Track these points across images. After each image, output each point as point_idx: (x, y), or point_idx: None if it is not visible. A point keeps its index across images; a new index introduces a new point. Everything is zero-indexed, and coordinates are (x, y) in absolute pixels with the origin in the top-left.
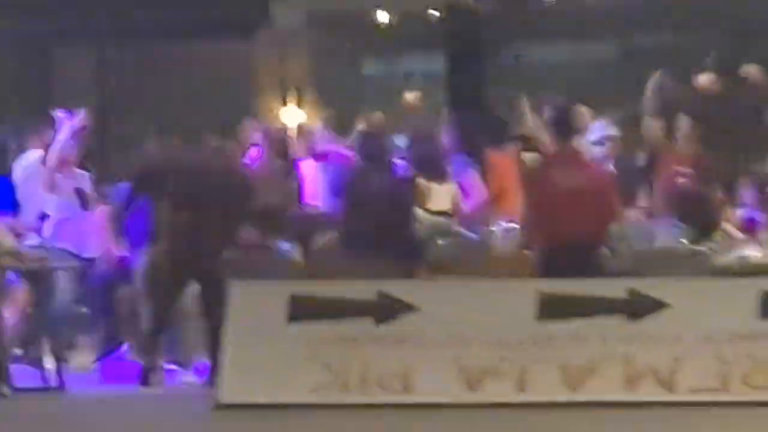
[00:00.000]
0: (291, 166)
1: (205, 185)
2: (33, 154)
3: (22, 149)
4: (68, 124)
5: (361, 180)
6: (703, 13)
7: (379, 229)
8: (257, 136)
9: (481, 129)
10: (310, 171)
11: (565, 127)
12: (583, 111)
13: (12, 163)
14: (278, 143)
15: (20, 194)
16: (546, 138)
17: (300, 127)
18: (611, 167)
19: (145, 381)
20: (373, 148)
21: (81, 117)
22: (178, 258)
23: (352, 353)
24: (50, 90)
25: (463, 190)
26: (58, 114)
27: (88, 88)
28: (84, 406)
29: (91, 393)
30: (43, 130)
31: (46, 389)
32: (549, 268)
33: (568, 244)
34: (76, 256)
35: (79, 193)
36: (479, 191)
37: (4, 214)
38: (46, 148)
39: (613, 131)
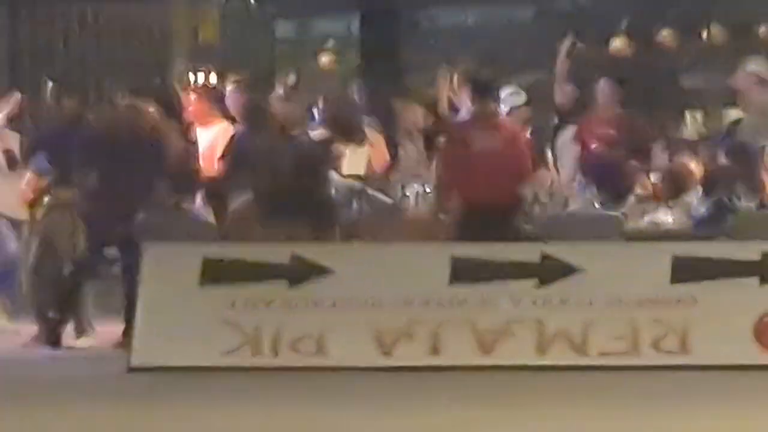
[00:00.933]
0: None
1: (115, 145)
2: None
3: None
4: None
5: (250, 143)
6: None
7: (291, 193)
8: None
9: (392, 92)
10: (223, 133)
11: (482, 89)
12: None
13: None
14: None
15: None
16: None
17: (208, 88)
18: (522, 130)
19: (54, 343)
20: (256, 113)
21: (15, 100)
22: (93, 221)
23: (265, 316)
24: None
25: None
26: None
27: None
28: None
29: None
30: None
31: None
32: (464, 232)
33: (483, 207)
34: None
35: (8, 153)
36: (386, 154)
37: None
38: None
39: (519, 100)
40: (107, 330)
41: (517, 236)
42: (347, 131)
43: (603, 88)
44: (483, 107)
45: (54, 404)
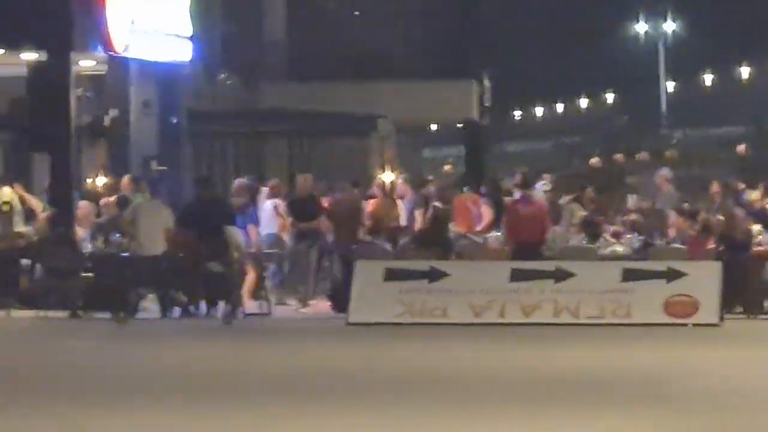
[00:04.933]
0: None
1: (343, 209)
2: None
3: None
4: None
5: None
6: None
7: (430, 234)
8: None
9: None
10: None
11: (526, 183)
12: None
13: None
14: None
15: None
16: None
17: (392, 183)
18: (547, 204)
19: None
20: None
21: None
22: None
23: (417, 297)
24: None
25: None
26: None
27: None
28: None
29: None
30: None
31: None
32: (516, 255)
33: (524, 244)
34: None
35: None
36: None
37: None
38: None
39: (546, 188)
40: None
41: (541, 257)
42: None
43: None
44: (526, 192)
45: (305, 343)
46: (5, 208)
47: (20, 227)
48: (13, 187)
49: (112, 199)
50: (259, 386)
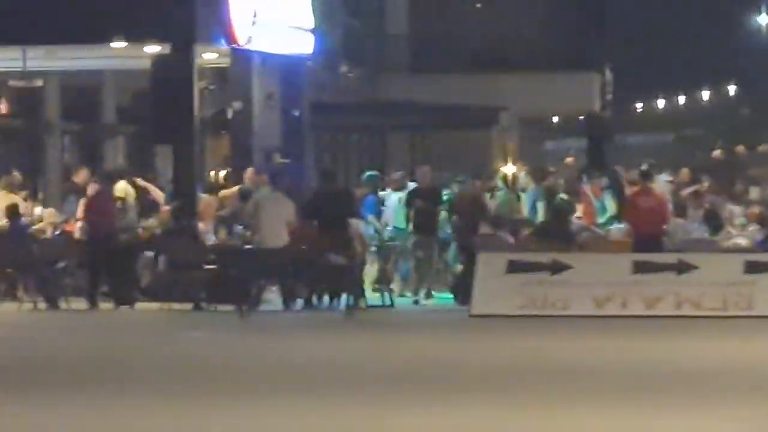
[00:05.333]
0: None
1: (465, 201)
2: None
3: None
4: None
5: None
6: None
7: (556, 230)
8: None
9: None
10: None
11: (646, 176)
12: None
13: None
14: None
15: None
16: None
17: (513, 175)
18: (668, 196)
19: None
20: None
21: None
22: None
23: (539, 289)
24: None
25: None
26: None
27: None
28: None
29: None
30: None
31: None
32: (637, 248)
33: (646, 236)
34: None
35: None
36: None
37: None
38: None
39: (668, 179)
40: None
41: (661, 249)
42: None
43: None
44: (646, 184)
45: (427, 335)
46: (118, 202)
47: (134, 221)
48: (129, 181)
49: (235, 189)
50: (379, 378)
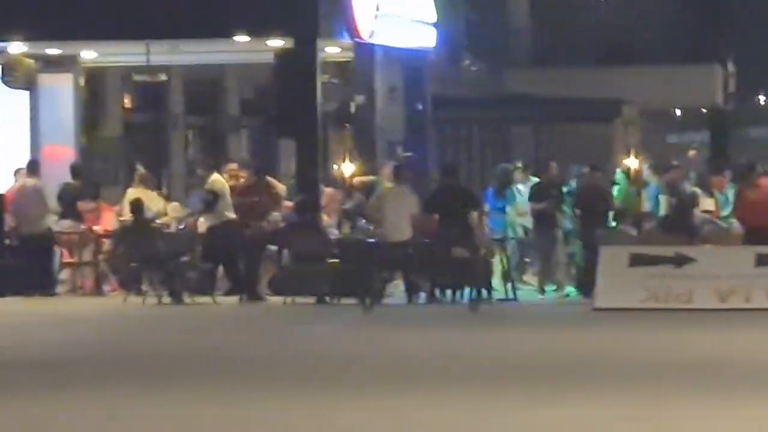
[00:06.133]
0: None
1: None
2: None
3: None
4: None
5: None
6: None
7: (676, 221)
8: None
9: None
10: None
11: (749, 167)
12: None
13: None
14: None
15: None
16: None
17: (636, 169)
18: None
19: None
20: None
21: None
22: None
23: (662, 282)
24: None
25: None
26: None
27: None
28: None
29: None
30: None
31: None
32: (748, 240)
33: (755, 229)
34: None
35: None
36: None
37: None
38: None
39: None
40: None
41: None
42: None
43: None
44: (754, 178)
45: (551, 328)
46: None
47: (229, 214)
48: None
49: (357, 180)
50: (504, 371)
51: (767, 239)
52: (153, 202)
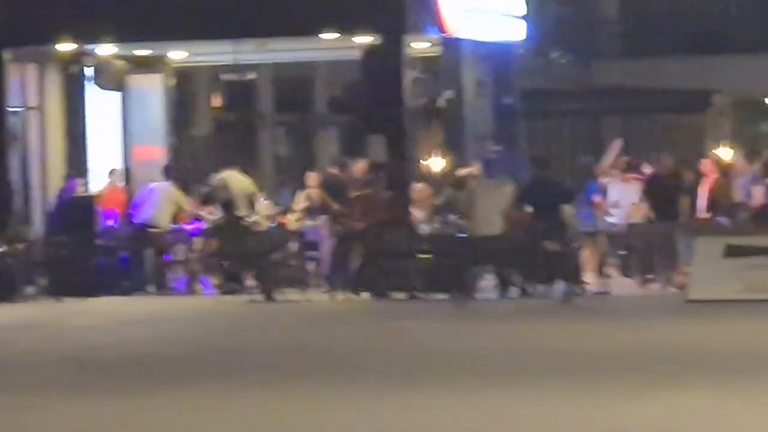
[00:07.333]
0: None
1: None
2: None
3: None
4: None
5: None
6: None
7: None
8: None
9: None
10: None
11: None
12: None
13: None
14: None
15: None
16: None
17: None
18: None
19: None
20: None
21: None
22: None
23: (758, 273)
24: None
25: None
26: None
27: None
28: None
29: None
30: None
31: None
32: None
33: None
34: None
35: None
36: None
37: None
38: None
39: None
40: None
41: None
42: None
43: None
44: None
45: (640, 319)
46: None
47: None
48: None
49: (472, 169)
50: (599, 364)
51: None
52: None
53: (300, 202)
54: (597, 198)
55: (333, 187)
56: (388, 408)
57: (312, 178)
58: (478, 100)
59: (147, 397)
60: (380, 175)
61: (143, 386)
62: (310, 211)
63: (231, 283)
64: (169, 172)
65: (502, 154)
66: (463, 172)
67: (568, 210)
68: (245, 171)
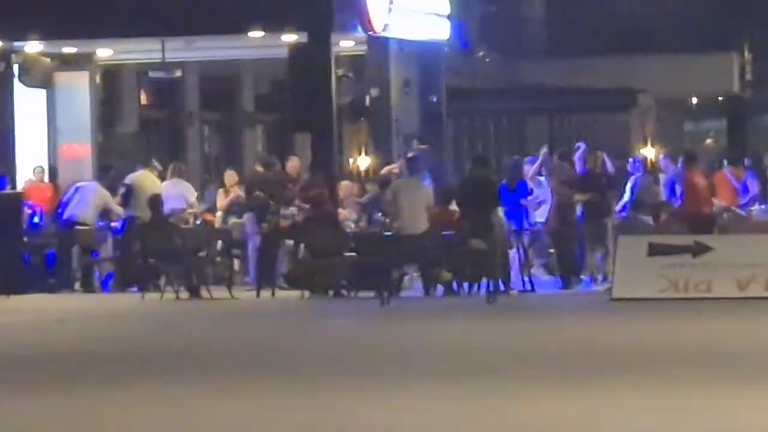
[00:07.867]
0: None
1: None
2: None
3: None
4: None
5: None
6: None
7: None
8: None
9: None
10: None
11: None
12: None
13: None
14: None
15: None
16: None
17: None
18: None
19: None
20: None
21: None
22: None
23: (680, 272)
24: None
25: None
26: None
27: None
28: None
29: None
30: None
31: None
32: None
33: None
34: None
35: None
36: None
37: None
38: None
39: None
40: None
41: None
42: None
43: None
44: None
45: (565, 317)
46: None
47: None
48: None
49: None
50: (523, 362)
51: None
52: (190, 192)
53: (221, 200)
54: (524, 200)
55: (258, 185)
56: (309, 404)
57: (230, 176)
58: (404, 98)
59: (77, 395)
60: (320, 172)
61: (72, 384)
62: (235, 209)
63: (156, 282)
64: (102, 175)
65: (427, 152)
66: (385, 170)
67: (498, 209)
68: (164, 168)
